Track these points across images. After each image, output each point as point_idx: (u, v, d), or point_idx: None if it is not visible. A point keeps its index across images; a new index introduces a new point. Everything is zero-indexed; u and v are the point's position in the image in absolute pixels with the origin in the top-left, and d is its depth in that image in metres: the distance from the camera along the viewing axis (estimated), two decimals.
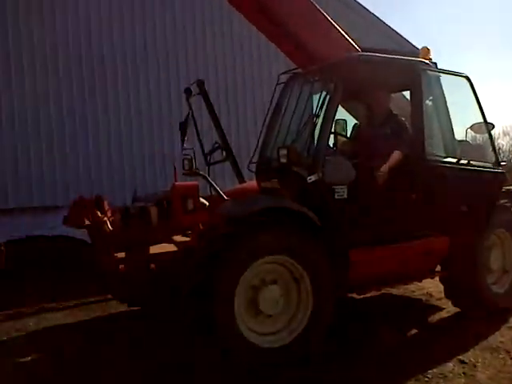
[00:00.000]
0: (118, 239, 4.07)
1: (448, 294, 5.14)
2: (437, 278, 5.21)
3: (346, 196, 4.23)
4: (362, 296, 4.99)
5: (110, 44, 9.41)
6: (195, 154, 5.67)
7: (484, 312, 4.94)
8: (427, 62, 4.99)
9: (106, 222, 4.71)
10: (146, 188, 9.09)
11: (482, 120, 5.27)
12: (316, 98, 4.55)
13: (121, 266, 4.38)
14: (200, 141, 6.35)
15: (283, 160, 4.11)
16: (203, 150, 6.24)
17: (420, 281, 5.23)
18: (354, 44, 5.31)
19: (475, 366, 3.85)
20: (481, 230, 4.99)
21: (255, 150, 5.13)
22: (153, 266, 4.38)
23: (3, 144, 8.64)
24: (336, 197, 4.20)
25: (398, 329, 4.73)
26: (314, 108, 4.39)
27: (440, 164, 4.77)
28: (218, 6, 9.70)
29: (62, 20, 9.06)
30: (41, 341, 4.91)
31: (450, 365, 3.86)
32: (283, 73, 5.19)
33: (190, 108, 6.36)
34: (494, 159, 5.37)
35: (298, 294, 3.90)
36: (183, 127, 5.94)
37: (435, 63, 5.08)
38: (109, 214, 4.92)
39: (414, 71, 4.75)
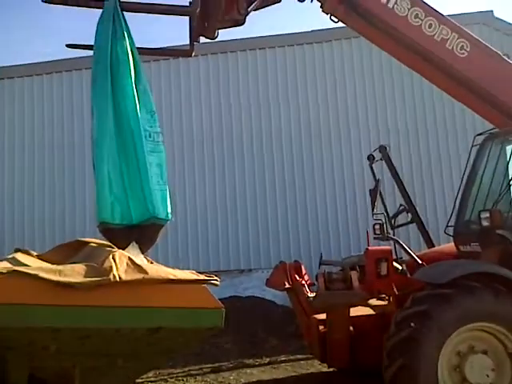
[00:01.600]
0: (320, 302, 4.30)
1: None
2: None
3: None
4: None
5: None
6: (385, 219, 5.79)
7: None
8: None
9: (304, 285, 5.02)
10: (331, 253, 9.43)
11: None
12: None
13: (321, 327, 4.57)
14: (384, 204, 6.43)
15: (485, 223, 3.98)
16: (388, 214, 6.29)
17: None
18: None
19: None
20: None
21: (452, 213, 5.00)
22: (351, 328, 4.47)
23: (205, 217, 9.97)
24: None
25: None
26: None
27: None
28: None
29: None
30: None
31: None
32: (479, 134, 5.08)
33: (373, 173, 6.53)
34: None
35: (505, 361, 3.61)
36: (373, 193, 6.12)
37: None
38: (306, 278, 5.24)
39: None
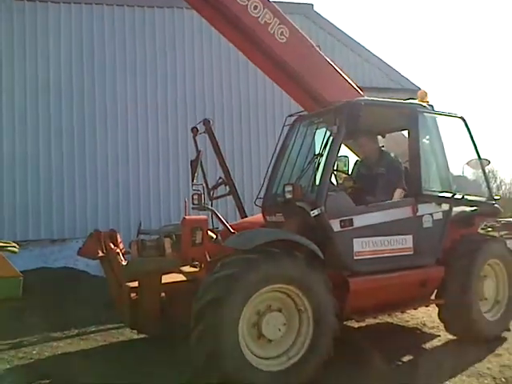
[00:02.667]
0: (132, 268, 4.28)
1: (443, 321, 5.33)
2: (430, 308, 5.46)
3: (346, 229, 4.50)
4: (359, 323, 5.21)
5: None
6: (205, 190, 5.99)
7: (476, 338, 5.13)
8: (424, 104, 5.34)
9: (118, 253, 4.94)
10: (151, 223, 9.42)
11: (477, 156, 5.61)
12: (320, 138, 4.87)
13: (132, 295, 4.56)
14: (205, 176, 6.61)
15: (288, 196, 4.38)
16: (207, 185, 6.48)
17: (416, 308, 5.36)
18: (357, 88, 5.70)
19: None
20: (475, 259, 5.21)
21: (262, 186, 5.39)
22: (163, 294, 4.55)
23: (13, 178, 9.03)
24: (337, 230, 4.44)
25: (390, 356, 4.80)
26: (318, 147, 4.69)
27: (436, 198, 5.08)
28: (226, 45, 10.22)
29: None
30: (43, 369, 4.92)
31: None
32: (290, 115, 5.54)
33: (196, 145, 6.66)
34: (488, 193, 5.74)
35: (299, 324, 4.08)
36: (194, 164, 6.26)
37: (432, 105, 5.40)
38: (121, 247, 5.15)
39: (411, 114, 5.11)
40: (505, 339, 5.36)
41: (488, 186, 5.82)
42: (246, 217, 6.33)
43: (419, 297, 5.11)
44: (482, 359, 4.71)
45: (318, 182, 4.57)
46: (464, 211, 5.49)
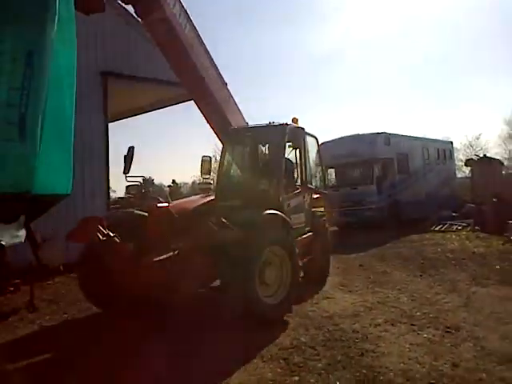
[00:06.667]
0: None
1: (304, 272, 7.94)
2: None
3: (289, 208, 6.83)
4: None
5: None
6: (144, 182, 6.91)
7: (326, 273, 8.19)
8: (301, 126, 7.95)
9: (116, 236, 5.62)
10: None
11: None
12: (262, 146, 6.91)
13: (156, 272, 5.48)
14: None
15: (264, 187, 6.30)
16: None
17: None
18: (244, 117, 7.97)
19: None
20: (323, 226, 8.28)
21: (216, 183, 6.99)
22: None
23: None
24: (287, 209, 6.67)
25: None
26: (266, 154, 6.76)
27: (310, 189, 7.86)
28: None
29: None
30: None
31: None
32: (232, 128, 7.35)
33: None
34: (323, 185, 8.92)
35: (281, 271, 6.08)
36: (127, 159, 6.96)
37: (303, 128, 8.00)
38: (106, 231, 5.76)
39: (301, 134, 7.67)
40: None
41: (324, 181, 8.93)
42: None
43: (307, 253, 7.75)
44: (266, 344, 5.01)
45: (275, 178, 6.64)
46: (315, 196, 8.38)
